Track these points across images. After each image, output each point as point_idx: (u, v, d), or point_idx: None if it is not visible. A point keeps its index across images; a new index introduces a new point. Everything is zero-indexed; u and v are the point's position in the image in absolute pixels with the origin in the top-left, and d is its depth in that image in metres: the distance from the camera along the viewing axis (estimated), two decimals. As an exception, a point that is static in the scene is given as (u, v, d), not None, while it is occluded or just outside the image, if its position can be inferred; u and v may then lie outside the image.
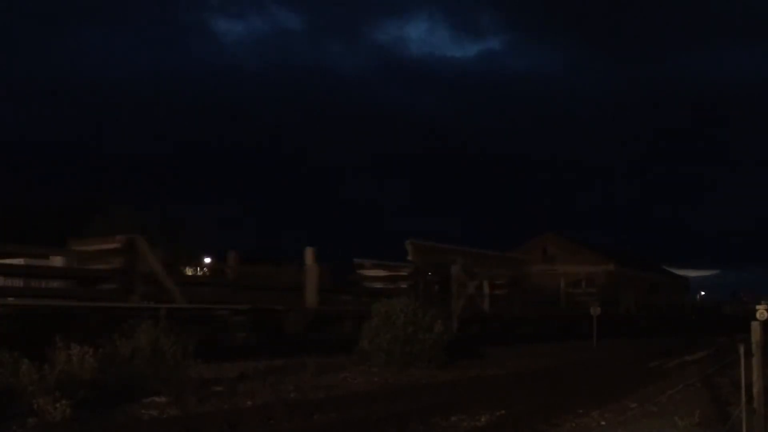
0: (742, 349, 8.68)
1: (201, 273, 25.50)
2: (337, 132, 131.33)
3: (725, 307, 70.62)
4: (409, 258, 24.22)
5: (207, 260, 28.29)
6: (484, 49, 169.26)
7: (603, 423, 10.68)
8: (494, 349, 23.62)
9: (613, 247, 73.19)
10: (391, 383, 14.85)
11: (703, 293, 75.53)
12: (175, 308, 15.56)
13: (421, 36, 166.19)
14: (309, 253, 20.26)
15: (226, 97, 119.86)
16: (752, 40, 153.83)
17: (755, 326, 8.68)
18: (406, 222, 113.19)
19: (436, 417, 10.41)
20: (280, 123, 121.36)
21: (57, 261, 16.28)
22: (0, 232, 25.21)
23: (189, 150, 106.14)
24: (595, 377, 17.50)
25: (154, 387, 11.09)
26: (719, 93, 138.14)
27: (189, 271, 24.86)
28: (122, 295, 15.54)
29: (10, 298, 13.88)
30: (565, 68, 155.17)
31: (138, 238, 16.02)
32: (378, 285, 24.97)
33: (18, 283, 15.61)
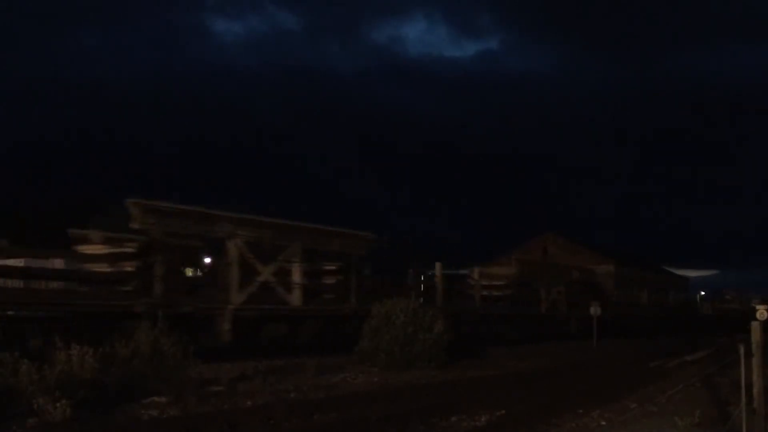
0: (742, 350, 8.68)
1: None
2: (336, 132, 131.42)
3: (703, 306, 67.33)
4: (136, 226, 16.37)
5: (207, 260, 28.21)
6: (482, 48, 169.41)
7: (603, 423, 10.67)
8: (493, 349, 23.60)
9: (613, 247, 73.27)
10: (391, 383, 14.84)
11: (703, 293, 75.15)
12: None
13: (420, 36, 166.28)
14: None
15: (226, 97, 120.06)
16: (752, 39, 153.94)
17: (755, 326, 8.68)
18: (407, 222, 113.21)
19: (436, 417, 10.41)
20: (279, 123, 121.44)
21: None
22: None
23: (189, 150, 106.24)
24: (594, 377, 17.50)
25: (154, 387, 11.10)
26: (719, 93, 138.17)
27: (189, 272, 24.69)
28: None
29: None
30: (564, 68, 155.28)
31: None
32: (101, 267, 17.01)
33: None
